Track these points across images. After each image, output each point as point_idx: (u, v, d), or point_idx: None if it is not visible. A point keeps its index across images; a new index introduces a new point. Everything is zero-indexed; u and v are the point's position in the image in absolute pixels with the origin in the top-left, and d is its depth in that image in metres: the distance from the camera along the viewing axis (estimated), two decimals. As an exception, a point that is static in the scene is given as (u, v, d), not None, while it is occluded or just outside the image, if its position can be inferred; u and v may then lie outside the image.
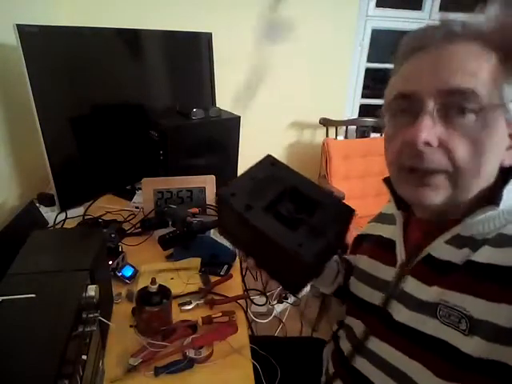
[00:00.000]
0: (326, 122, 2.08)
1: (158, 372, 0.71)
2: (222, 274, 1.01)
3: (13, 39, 0.92)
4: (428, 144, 0.48)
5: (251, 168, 0.63)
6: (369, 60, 2.17)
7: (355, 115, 2.28)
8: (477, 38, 0.49)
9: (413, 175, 0.52)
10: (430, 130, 0.48)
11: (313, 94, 2.11)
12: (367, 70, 2.20)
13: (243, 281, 1.03)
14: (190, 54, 1.53)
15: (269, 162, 0.65)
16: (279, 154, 2.16)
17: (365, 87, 2.24)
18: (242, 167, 1.50)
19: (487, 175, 0.51)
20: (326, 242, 0.55)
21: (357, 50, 2.12)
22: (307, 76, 2.08)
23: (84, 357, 0.53)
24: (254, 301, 1.09)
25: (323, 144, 2.05)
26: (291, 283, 0.63)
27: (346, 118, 2.18)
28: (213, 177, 1.23)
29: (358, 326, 0.68)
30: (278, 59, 2.02)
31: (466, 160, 0.48)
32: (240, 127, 1.43)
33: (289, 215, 0.57)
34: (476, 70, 0.47)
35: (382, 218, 0.75)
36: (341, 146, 2.05)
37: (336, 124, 2.11)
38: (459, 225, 0.53)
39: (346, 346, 0.70)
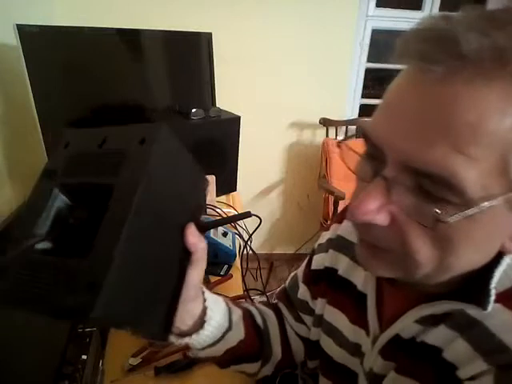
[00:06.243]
0: (325, 122, 2.08)
1: (158, 372, 0.71)
2: (221, 274, 1.01)
3: (13, 39, 0.92)
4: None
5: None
6: (369, 60, 2.17)
7: (355, 115, 2.28)
8: None
9: (361, 240, 0.39)
10: (378, 206, 0.33)
11: (313, 94, 2.11)
12: (367, 70, 2.19)
13: (243, 281, 1.03)
14: (190, 53, 1.53)
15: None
16: (279, 154, 2.16)
17: (365, 87, 2.24)
18: (242, 167, 1.50)
19: (463, 268, 0.35)
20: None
21: (357, 50, 2.12)
22: (307, 76, 2.08)
23: (84, 357, 0.53)
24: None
25: (323, 144, 2.05)
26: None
27: (346, 118, 2.18)
28: (213, 177, 1.23)
29: None
30: (278, 59, 2.02)
31: (426, 256, 0.33)
32: (240, 127, 1.43)
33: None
34: (486, 139, 0.28)
35: (340, 245, 0.56)
36: (341, 146, 2.05)
37: (336, 124, 2.10)
38: (432, 304, 0.40)
39: None
